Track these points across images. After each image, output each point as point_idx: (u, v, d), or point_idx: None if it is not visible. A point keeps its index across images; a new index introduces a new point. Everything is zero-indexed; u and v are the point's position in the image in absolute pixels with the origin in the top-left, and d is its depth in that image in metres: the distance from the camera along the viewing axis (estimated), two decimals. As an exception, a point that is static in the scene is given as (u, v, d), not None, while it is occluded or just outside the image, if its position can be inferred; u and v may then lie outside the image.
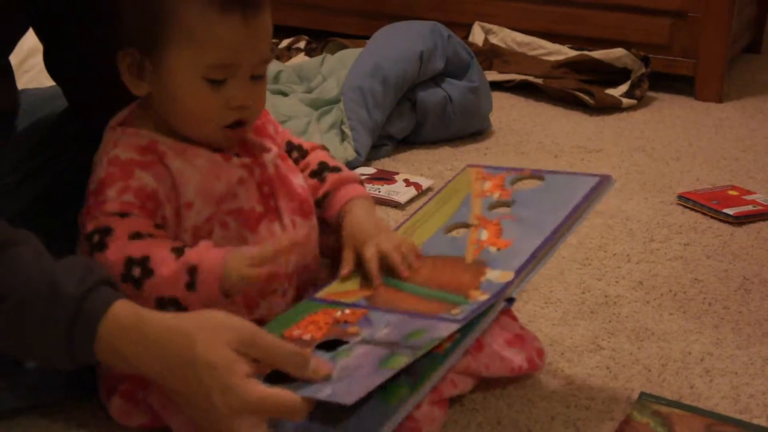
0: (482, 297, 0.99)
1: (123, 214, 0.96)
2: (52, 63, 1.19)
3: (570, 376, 1.16)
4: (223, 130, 1.00)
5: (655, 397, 1.09)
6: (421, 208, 1.20)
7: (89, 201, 0.99)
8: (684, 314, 1.33)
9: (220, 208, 1.00)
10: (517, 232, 1.08)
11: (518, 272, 1.01)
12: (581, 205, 1.07)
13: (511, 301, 1.02)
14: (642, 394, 1.09)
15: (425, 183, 1.78)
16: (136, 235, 0.96)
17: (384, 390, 0.89)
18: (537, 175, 1.17)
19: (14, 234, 0.92)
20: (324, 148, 1.17)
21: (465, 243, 1.10)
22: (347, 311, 1.02)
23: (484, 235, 1.10)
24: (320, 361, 0.91)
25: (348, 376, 0.90)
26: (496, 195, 1.15)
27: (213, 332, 0.87)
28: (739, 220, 1.67)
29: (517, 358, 1.08)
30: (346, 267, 1.08)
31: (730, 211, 1.68)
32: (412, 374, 0.91)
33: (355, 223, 1.09)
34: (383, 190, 1.73)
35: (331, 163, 1.13)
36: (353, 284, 1.08)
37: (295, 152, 1.15)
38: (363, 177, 1.78)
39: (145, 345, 0.89)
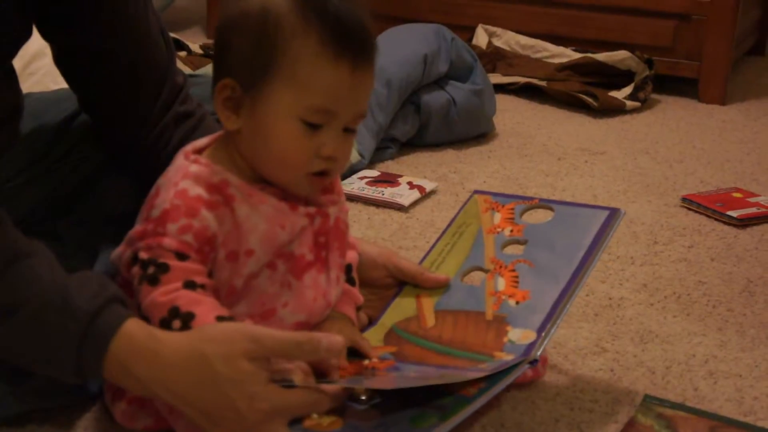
0: (507, 358, 1.02)
1: (180, 255, 0.94)
2: (61, 63, 1.18)
3: (574, 378, 1.16)
4: (308, 177, 0.98)
5: (659, 399, 1.09)
6: (434, 245, 1.21)
7: (148, 226, 0.96)
8: (688, 317, 1.33)
9: (275, 253, 0.99)
10: (534, 282, 1.10)
11: (539, 331, 1.04)
12: (594, 247, 1.09)
13: (534, 362, 1.03)
14: (646, 397, 1.10)
15: (429, 186, 1.79)
16: (191, 284, 0.94)
17: (414, 417, 0.92)
18: (546, 205, 1.19)
19: (28, 245, 0.92)
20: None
21: (483, 294, 1.12)
22: (375, 360, 1.04)
23: (501, 284, 1.12)
24: (332, 336, 0.92)
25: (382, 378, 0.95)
26: (507, 231, 1.17)
27: (225, 345, 0.88)
28: (743, 222, 1.67)
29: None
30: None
31: (734, 214, 1.68)
32: (441, 409, 0.93)
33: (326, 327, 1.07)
34: (387, 193, 1.73)
35: (353, 272, 1.13)
36: (377, 341, 1.10)
37: None
38: (366, 180, 1.79)
39: (161, 367, 0.89)
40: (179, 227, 0.94)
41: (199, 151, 1.01)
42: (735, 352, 1.24)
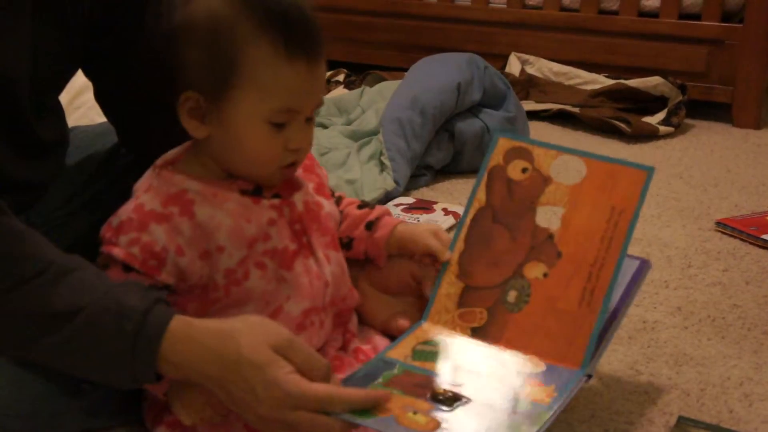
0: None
1: (126, 267, 0.99)
2: (103, 101, 1.23)
3: (609, 400, 1.17)
4: (280, 170, 1.03)
5: (694, 420, 1.10)
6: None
7: (107, 233, 1.01)
8: (723, 339, 1.34)
9: (253, 250, 1.02)
10: None
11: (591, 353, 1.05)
12: (629, 291, 1.12)
13: (589, 377, 1.05)
14: (680, 418, 1.10)
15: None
16: None
17: (508, 425, 0.94)
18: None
19: (73, 260, 0.97)
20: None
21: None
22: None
23: None
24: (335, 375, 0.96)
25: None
26: None
27: (255, 334, 0.92)
28: (778, 246, 1.67)
29: None
30: (445, 253, 1.14)
31: (768, 237, 1.68)
32: (527, 416, 0.95)
33: (411, 228, 1.16)
34: (422, 219, 1.76)
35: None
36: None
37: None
38: (402, 206, 1.82)
39: (191, 347, 0.92)
40: (128, 240, 0.99)
41: (171, 162, 1.05)
42: (770, 374, 1.24)
